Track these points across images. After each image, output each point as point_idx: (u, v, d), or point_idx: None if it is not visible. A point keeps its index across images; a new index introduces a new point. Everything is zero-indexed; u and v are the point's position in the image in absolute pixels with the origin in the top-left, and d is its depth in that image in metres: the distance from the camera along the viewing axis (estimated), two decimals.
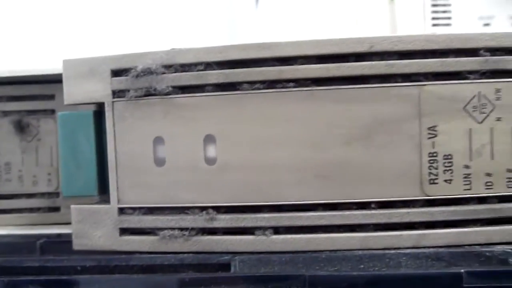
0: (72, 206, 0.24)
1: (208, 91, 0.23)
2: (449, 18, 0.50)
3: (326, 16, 0.51)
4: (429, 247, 0.22)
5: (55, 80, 0.27)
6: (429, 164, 0.22)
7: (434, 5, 0.50)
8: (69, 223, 0.24)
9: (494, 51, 0.22)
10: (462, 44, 0.22)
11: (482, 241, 0.22)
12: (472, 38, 0.22)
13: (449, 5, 0.50)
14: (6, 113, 0.30)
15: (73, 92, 0.24)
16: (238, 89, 0.22)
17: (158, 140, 0.23)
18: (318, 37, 0.22)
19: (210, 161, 0.23)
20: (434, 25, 0.49)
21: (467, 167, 0.22)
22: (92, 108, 0.24)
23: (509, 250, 0.21)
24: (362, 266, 0.22)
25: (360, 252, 0.22)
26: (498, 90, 0.22)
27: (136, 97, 0.23)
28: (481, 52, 0.22)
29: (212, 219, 0.23)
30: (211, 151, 0.23)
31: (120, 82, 0.23)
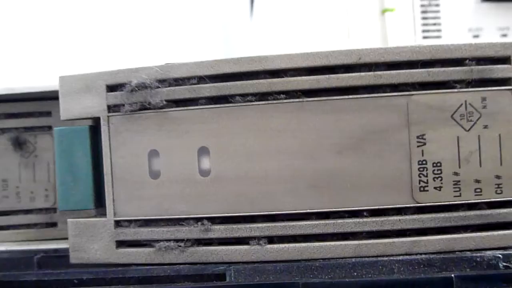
0: (69, 220, 0.24)
1: (201, 104, 0.23)
2: (439, 30, 0.50)
3: (319, 29, 0.52)
4: (421, 254, 0.22)
5: (51, 97, 0.28)
6: (419, 172, 0.22)
7: (424, 18, 0.51)
8: (66, 239, 0.25)
9: (479, 60, 0.22)
10: (447, 54, 0.22)
11: (473, 247, 0.22)
12: (457, 49, 0.22)
13: (438, 18, 0.51)
14: (3, 130, 0.30)
15: (69, 107, 0.24)
16: (230, 102, 0.23)
17: (153, 153, 0.23)
18: (311, 49, 0.23)
19: (204, 173, 0.23)
20: (424, 37, 0.50)
21: (456, 174, 0.22)
22: (88, 123, 0.25)
23: (499, 255, 0.21)
24: (355, 273, 0.22)
25: (353, 259, 0.22)
26: (484, 99, 0.22)
27: (131, 111, 0.23)
28: (466, 62, 0.22)
29: (207, 230, 0.23)
30: (205, 163, 0.23)
31: (115, 97, 0.24)
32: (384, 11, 0.51)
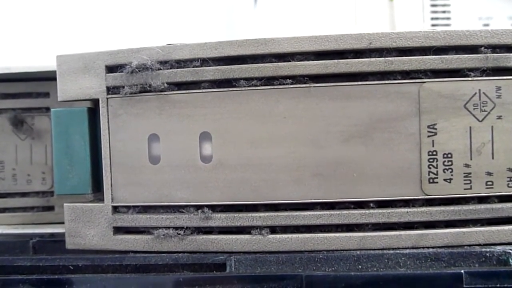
0: (65, 205, 0.24)
1: (204, 88, 0.22)
2: (448, 18, 0.49)
3: (325, 16, 0.51)
4: (428, 247, 0.21)
5: (50, 77, 0.27)
6: (428, 163, 0.21)
7: (433, 5, 0.49)
8: (63, 223, 0.24)
9: (495, 48, 0.21)
10: (462, 40, 0.21)
11: (482, 241, 0.21)
12: (472, 35, 0.21)
13: (448, 5, 0.49)
14: (0, 111, 0.29)
15: (67, 88, 0.23)
16: (234, 86, 0.22)
17: (153, 137, 0.23)
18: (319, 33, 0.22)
19: (205, 159, 0.22)
20: (433, 25, 0.49)
21: (467, 166, 0.21)
22: (87, 104, 0.24)
23: (510, 251, 0.21)
24: (360, 266, 0.21)
25: (358, 252, 0.21)
26: (498, 88, 0.21)
27: (131, 93, 0.23)
28: (482, 49, 0.21)
29: (207, 218, 0.22)
30: (207, 148, 0.22)
31: (115, 78, 0.23)
32: None
